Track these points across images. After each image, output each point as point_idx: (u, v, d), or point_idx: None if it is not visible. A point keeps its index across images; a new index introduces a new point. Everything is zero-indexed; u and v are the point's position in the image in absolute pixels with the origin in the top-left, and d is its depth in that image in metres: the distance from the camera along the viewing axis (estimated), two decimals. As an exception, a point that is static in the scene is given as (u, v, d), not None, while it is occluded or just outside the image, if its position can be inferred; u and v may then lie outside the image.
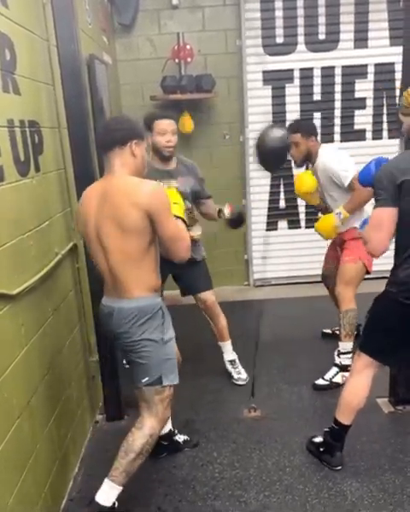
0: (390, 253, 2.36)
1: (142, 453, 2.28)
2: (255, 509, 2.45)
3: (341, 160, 3.40)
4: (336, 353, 3.50)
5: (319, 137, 3.62)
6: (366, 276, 3.53)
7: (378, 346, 2.49)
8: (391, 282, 2.38)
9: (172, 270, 3.40)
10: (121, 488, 2.27)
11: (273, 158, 3.40)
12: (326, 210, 3.63)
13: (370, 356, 2.51)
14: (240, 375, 3.61)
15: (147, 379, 2.29)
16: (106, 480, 2.28)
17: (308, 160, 3.57)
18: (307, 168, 3.79)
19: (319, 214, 3.93)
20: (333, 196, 3.50)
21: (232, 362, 3.66)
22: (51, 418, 2.43)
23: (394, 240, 2.34)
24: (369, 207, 3.39)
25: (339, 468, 2.67)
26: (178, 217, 2.29)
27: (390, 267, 2.39)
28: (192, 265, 3.41)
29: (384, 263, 2.56)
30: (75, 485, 2.67)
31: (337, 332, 4.05)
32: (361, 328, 2.67)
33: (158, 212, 2.12)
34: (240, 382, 3.58)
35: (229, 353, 3.67)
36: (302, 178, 3.59)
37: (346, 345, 3.44)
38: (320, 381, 3.45)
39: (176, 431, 2.94)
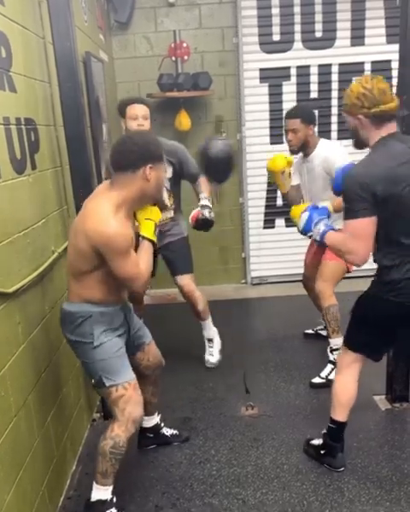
0: None
1: (104, 455, 2.26)
2: (253, 507, 2.45)
3: (343, 157, 3.29)
4: (328, 350, 3.51)
5: (316, 129, 3.47)
6: (348, 275, 3.56)
7: (363, 342, 2.49)
8: (384, 282, 2.34)
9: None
10: (107, 486, 2.31)
11: (221, 167, 3.26)
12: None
13: (354, 351, 2.52)
14: (211, 356, 3.66)
15: (93, 381, 2.32)
16: (93, 482, 2.34)
17: (303, 150, 3.45)
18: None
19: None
20: (317, 193, 3.40)
21: (209, 341, 3.72)
22: (48, 416, 2.43)
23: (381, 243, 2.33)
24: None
25: (342, 469, 2.65)
26: (144, 237, 2.25)
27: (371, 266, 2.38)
28: (171, 245, 3.53)
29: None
30: (72, 484, 2.67)
31: (320, 332, 4.08)
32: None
33: (109, 256, 2.07)
34: (208, 365, 3.64)
35: (207, 330, 3.73)
36: (276, 158, 3.41)
37: (336, 340, 3.41)
38: (317, 379, 3.46)
39: (162, 424, 2.94)
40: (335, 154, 3.34)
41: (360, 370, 2.56)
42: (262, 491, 2.55)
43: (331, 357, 3.47)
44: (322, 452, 2.70)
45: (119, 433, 2.27)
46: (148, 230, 2.28)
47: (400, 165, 2.17)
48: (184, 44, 4.87)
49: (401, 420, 3.08)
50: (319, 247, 3.62)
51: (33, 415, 2.23)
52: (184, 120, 4.88)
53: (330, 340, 3.49)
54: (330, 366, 3.45)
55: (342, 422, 2.60)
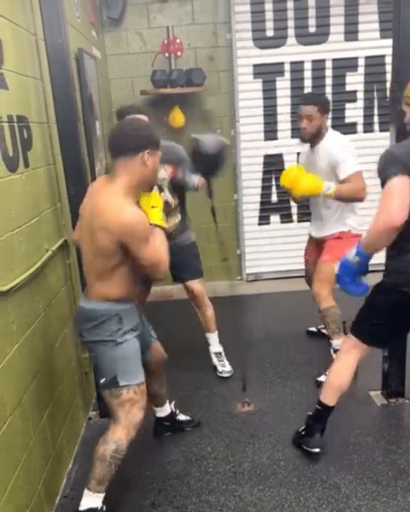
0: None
1: (105, 460, 2.21)
2: (250, 503, 2.46)
3: (349, 150, 3.27)
4: (331, 351, 3.45)
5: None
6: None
7: (369, 331, 2.52)
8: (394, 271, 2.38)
9: None
10: (99, 494, 2.24)
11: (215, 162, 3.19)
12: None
13: (357, 337, 2.55)
14: (224, 367, 3.63)
15: (103, 380, 2.25)
16: (85, 489, 2.26)
17: (311, 140, 3.38)
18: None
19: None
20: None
21: (218, 354, 3.68)
22: (44, 415, 2.42)
23: None
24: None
25: (317, 450, 2.68)
26: (156, 225, 2.20)
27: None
28: (180, 250, 3.40)
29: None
30: (69, 482, 2.67)
31: (323, 331, 4.05)
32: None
33: (132, 242, 2.06)
34: (225, 375, 3.60)
35: (215, 345, 3.69)
36: (288, 172, 3.41)
37: (338, 342, 3.38)
38: (323, 378, 3.32)
39: (177, 411, 3.00)
40: (339, 146, 3.27)
41: (359, 359, 2.58)
42: (259, 487, 2.56)
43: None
44: (302, 433, 2.74)
45: (121, 437, 2.23)
46: (156, 218, 2.22)
47: None
48: (178, 40, 4.85)
49: (397, 415, 3.09)
50: (319, 247, 3.60)
51: (28, 414, 2.22)
52: (177, 117, 4.86)
53: (332, 342, 3.44)
54: None
55: (330, 406, 2.63)
